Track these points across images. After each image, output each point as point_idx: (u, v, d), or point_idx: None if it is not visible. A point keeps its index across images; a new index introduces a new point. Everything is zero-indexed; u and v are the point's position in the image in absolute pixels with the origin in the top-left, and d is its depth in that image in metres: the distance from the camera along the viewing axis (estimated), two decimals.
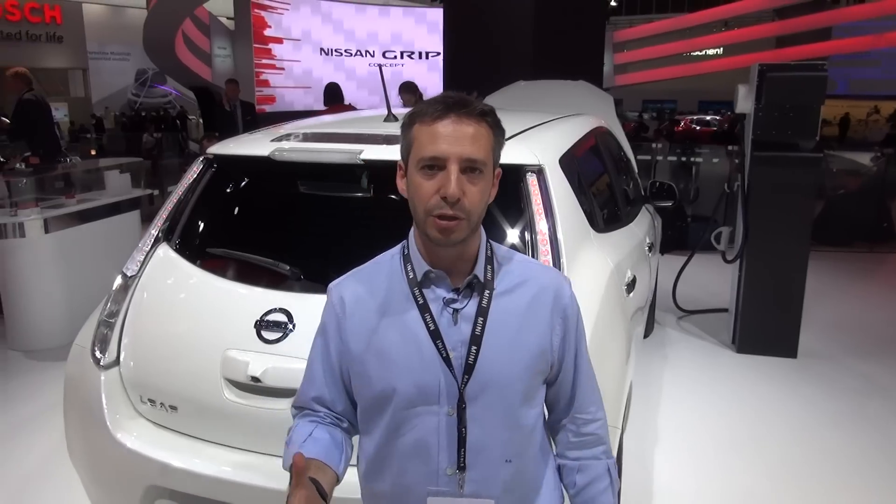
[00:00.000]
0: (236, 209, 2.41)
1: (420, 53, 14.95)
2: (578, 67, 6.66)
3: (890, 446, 3.34)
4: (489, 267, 1.26)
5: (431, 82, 13.09)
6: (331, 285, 1.34)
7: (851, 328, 5.01)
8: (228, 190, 2.42)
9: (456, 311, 1.23)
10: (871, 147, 12.70)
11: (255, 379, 1.79)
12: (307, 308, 1.89)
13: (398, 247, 1.32)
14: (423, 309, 1.22)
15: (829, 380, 4.09)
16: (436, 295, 1.23)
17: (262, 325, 1.87)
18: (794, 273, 4.33)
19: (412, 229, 1.28)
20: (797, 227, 4.32)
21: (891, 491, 2.96)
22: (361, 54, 14.81)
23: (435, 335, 1.21)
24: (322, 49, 14.55)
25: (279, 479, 1.75)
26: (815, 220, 4.71)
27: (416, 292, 1.23)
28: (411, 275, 1.24)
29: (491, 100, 5.03)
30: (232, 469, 1.81)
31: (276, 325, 1.87)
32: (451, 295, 1.23)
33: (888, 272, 7.15)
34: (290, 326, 1.86)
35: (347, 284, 1.32)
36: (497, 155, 1.23)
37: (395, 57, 14.92)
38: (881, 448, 3.32)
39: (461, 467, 1.22)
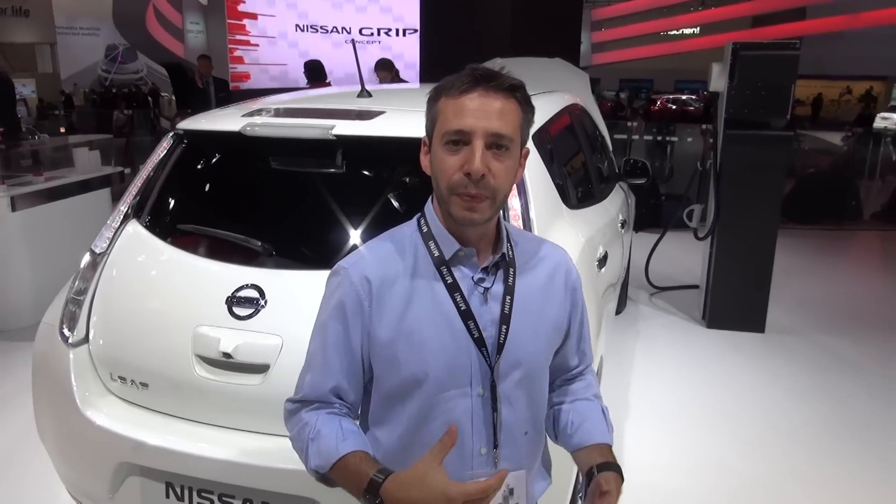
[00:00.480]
0: (207, 185, 2.38)
1: (397, 31, 14.77)
2: (556, 45, 6.64)
3: (853, 419, 3.44)
4: (508, 244, 1.26)
5: (408, 59, 12.97)
6: (346, 265, 1.23)
7: (818, 304, 5.12)
8: (199, 166, 2.39)
9: (486, 290, 1.21)
10: (842, 127, 12.92)
11: (227, 355, 1.79)
12: (279, 284, 1.89)
13: (412, 222, 1.27)
14: (453, 288, 1.19)
15: (795, 354, 4.19)
16: (463, 274, 1.20)
17: (233, 301, 1.86)
18: (764, 250, 4.40)
19: (430, 205, 1.24)
20: (767, 204, 4.39)
21: (854, 462, 3.06)
22: (338, 31, 14.60)
23: (466, 315, 1.18)
24: (297, 25, 14.32)
25: (250, 454, 1.76)
26: (785, 198, 4.78)
27: (445, 271, 1.19)
28: (436, 253, 1.20)
29: None
30: (204, 444, 1.81)
31: (248, 301, 1.86)
32: (480, 274, 1.21)
33: (855, 249, 7.31)
34: (262, 302, 1.85)
35: (369, 264, 1.21)
36: (526, 133, 1.19)
37: (372, 34, 14.74)
38: (845, 421, 3.42)
39: (496, 445, 1.22)
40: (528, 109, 1.17)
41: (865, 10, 19.51)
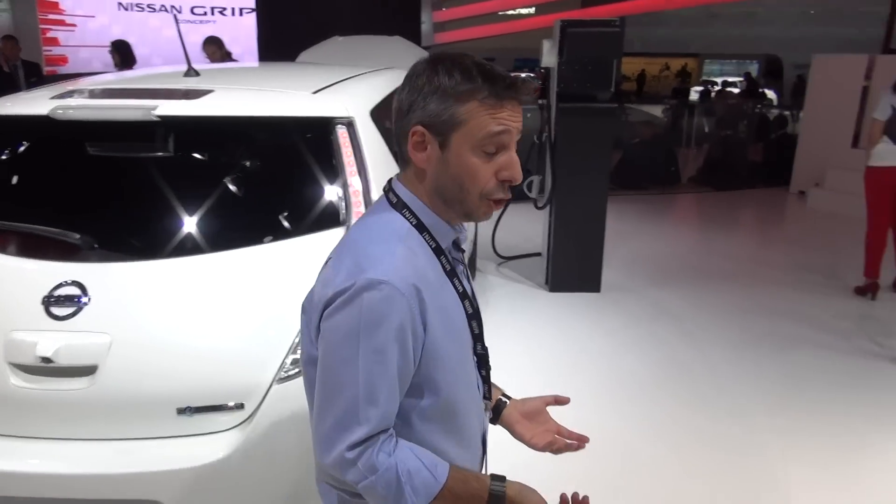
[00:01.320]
0: (14, 176, 2.16)
1: (232, 10, 14.07)
2: (397, 24, 6.68)
3: (673, 364, 3.83)
4: None
5: (245, 39, 12.42)
6: (383, 276, 1.07)
7: (646, 262, 5.62)
8: (4, 155, 2.16)
9: (463, 267, 1.27)
10: (662, 100, 14.14)
11: (46, 360, 1.65)
12: (103, 278, 1.76)
13: (396, 216, 1.17)
14: (451, 275, 1.20)
15: (627, 309, 4.58)
16: (451, 257, 1.23)
17: (50, 300, 1.72)
18: (596, 216, 4.73)
19: (410, 196, 1.17)
20: (597, 173, 4.71)
21: (677, 395, 3.44)
22: (166, 10, 13.64)
23: (464, 296, 1.22)
24: (121, 4, 13.21)
25: (83, 464, 1.65)
26: (614, 167, 5.15)
27: (444, 261, 1.19)
28: (433, 244, 1.17)
29: (306, 55, 4.91)
30: (30, 460, 1.67)
31: (68, 300, 1.72)
32: (458, 255, 1.25)
33: (676, 211, 8.07)
34: (85, 299, 1.72)
35: (407, 268, 1.10)
36: None
37: (205, 13, 13.91)
38: (667, 365, 3.80)
39: (487, 398, 1.34)
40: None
41: None
